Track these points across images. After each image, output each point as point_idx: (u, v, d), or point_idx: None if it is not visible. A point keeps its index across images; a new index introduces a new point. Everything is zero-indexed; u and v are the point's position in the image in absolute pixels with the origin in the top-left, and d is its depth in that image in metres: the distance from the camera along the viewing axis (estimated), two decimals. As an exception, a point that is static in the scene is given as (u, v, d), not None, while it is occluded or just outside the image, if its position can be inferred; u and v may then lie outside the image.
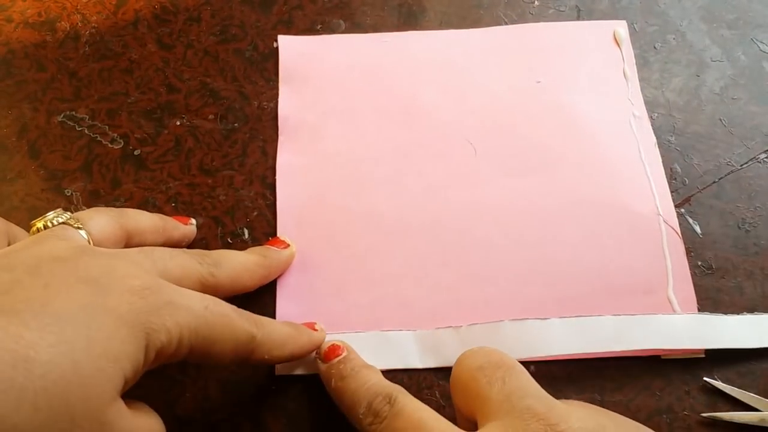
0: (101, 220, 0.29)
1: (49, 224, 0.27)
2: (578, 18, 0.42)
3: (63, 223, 0.28)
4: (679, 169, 0.37)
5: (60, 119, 0.39)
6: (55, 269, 0.24)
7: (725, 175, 0.37)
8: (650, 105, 0.39)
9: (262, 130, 0.39)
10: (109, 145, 0.38)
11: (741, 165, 0.38)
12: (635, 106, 0.39)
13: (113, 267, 0.25)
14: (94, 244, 0.28)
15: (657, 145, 0.38)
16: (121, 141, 0.38)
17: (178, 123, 0.39)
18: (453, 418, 0.31)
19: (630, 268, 0.34)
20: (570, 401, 0.24)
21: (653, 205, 0.36)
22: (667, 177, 0.37)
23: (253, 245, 0.35)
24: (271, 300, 0.34)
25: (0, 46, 0.42)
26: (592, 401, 0.32)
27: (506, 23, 0.42)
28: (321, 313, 0.34)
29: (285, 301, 0.34)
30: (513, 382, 0.24)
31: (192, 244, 0.35)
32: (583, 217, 0.36)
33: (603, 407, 0.25)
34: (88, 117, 0.39)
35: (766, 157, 0.38)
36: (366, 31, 0.42)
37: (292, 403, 0.32)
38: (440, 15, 0.43)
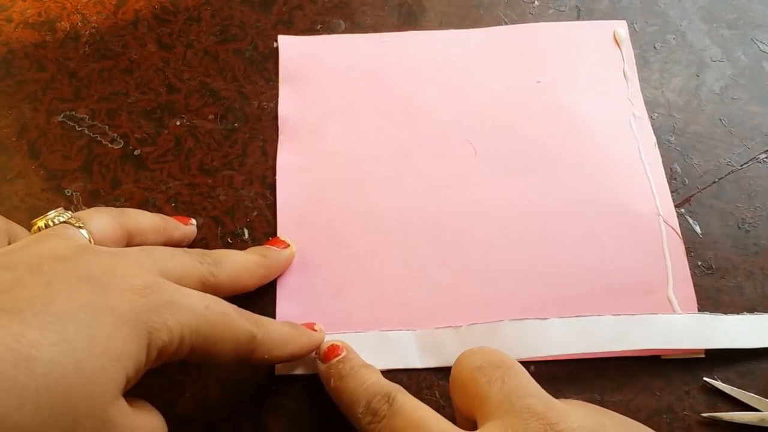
0: (102, 219, 0.29)
1: (50, 223, 0.27)
2: (578, 18, 0.42)
3: (64, 222, 0.28)
4: (679, 169, 0.37)
5: (60, 119, 0.39)
6: (57, 268, 0.24)
7: (725, 175, 0.37)
8: (650, 105, 0.39)
9: (262, 130, 0.39)
10: (109, 145, 0.38)
11: (741, 165, 0.38)
12: (635, 106, 0.39)
13: (114, 266, 0.25)
14: (95, 244, 0.28)
15: (657, 145, 0.38)
16: (121, 141, 0.38)
17: (178, 123, 0.39)
18: (453, 418, 0.31)
19: (630, 268, 0.34)
20: (569, 401, 0.24)
21: (653, 205, 0.36)
22: (667, 177, 0.37)
23: (253, 245, 0.35)
24: (271, 300, 0.34)
25: (0, 46, 0.42)
26: (592, 401, 0.32)
27: (506, 23, 0.42)
28: (321, 313, 0.34)
29: (285, 301, 0.34)
30: (512, 381, 0.24)
31: (192, 244, 0.35)
32: (583, 217, 0.36)
33: (603, 407, 0.25)
34: (88, 117, 0.39)
35: (766, 157, 0.38)
36: (366, 31, 0.42)
37: (292, 403, 0.32)
38: (440, 15, 0.43)
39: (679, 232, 0.35)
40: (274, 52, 0.41)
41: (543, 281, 0.34)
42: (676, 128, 0.39)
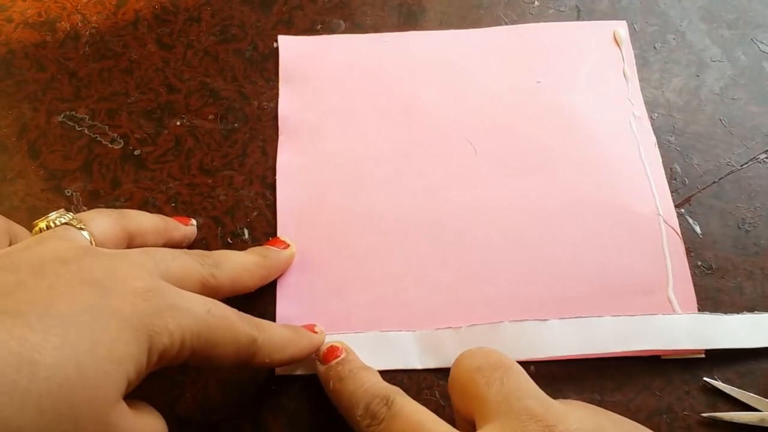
0: (103, 221, 0.29)
1: (52, 224, 0.27)
2: (578, 18, 0.42)
3: (65, 223, 0.28)
4: (679, 169, 0.37)
5: (60, 119, 0.39)
6: (59, 270, 0.24)
7: (725, 175, 0.37)
8: (650, 105, 0.39)
9: (262, 130, 0.39)
10: (109, 145, 0.38)
11: (741, 165, 0.38)
12: (635, 106, 0.39)
13: (116, 268, 0.25)
14: (95, 245, 0.28)
15: (657, 145, 0.38)
16: (121, 141, 0.38)
17: (178, 123, 0.39)
18: (452, 419, 0.31)
19: (630, 268, 0.34)
20: (568, 401, 0.24)
21: (653, 205, 0.36)
22: (667, 177, 0.37)
23: (253, 245, 0.35)
24: (271, 300, 0.34)
25: (0, 46, 0.42)
26: (592, 401, 0.32)
27: (506, 23, 0.42)
28: (321, 313, 0.34)
29: (285, 301, 0.34)
30: (511, 382, 0.24)
31: (192, 244, 0.35)
32: (583, 217, 0.36)
33: (603, 407, 0.25)
34: (88, 117, 0.39)
35: (766, 157, 0.38)
36: (366, 31, 0.42)
37: (292, 403, 0.32)
38: (440, 15, 0.43)
39: (679, 232, 0.35)
40: (274, 52, 0.41)
41: (543, 281, 0.34)
42: (676, 128, 0.39)
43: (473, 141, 0.38)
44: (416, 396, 0.32)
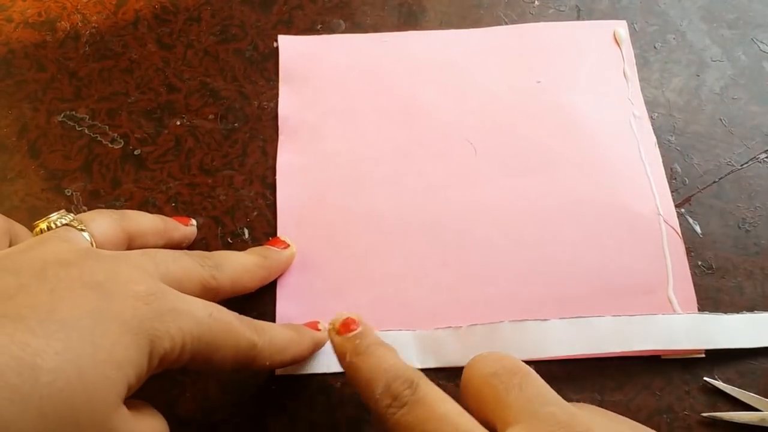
0: (104, 222, 0.29)
1: (53, 225, 0.27)
2: (578, 18, 0.42)
3: (66, 224, 0.27)
4: (679, 169, 0.37)
5: (60, 119, 0.39)
6: (61, 273, 0.24)
7: (725, 175, 0.37)
8: (650, 105, 0.39)
9: (262, 130, 0.39)
10: (109, 145, 0.38)
11: (741, 165, 0.38)
12: (635, 106, 0.39)
13: (117, 271, 0.25)
14: (96, 246, 0.28)
15: (657, 145, 0.38)
16: (121, 141, 0.38)
17: (178, 123, 0.39)
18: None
19: (630, 268, 0.34)
20: (581, 405, 0.24)
21: (653, 205, 0.36)
22: (667, 177, 0.37)
23: (254, 245, 0.35)
24: (271, 300, 0.34)
25: (0, 46, 0.42)
26: (592, 401, 0.32)
27: (506, 23, 0.42)
28: (321, 313, 0.34)
29: (285, 301, 0.34)
30: (530, 388, 0.24)
31: (192, 244, 0.35)
32: (583, 217, 0.36)
33: (603, 407, 0.26)
34: (88, 117, 0.39)
35: (766, 157, 0.38)
36: (366, 31, 0.42)
37: (292, 403, 0.32)
38: (440, 15, 0.43)
39: (680, 232, 0.35)
40: (274, 52, 0.41)
41: (543, 281, 0.34)
42: (677, 128, 0.39)
43: (473, 141, 0.38)
44: (416, 396, 0.32)
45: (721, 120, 0.39)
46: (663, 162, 0.37)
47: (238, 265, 0.31)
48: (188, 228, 0.34)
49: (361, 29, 0.42)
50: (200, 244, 0.35)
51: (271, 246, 0.34)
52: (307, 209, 0.36)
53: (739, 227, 0.36)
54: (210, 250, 0.34)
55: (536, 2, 0.43)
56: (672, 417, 0.31)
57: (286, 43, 0.41)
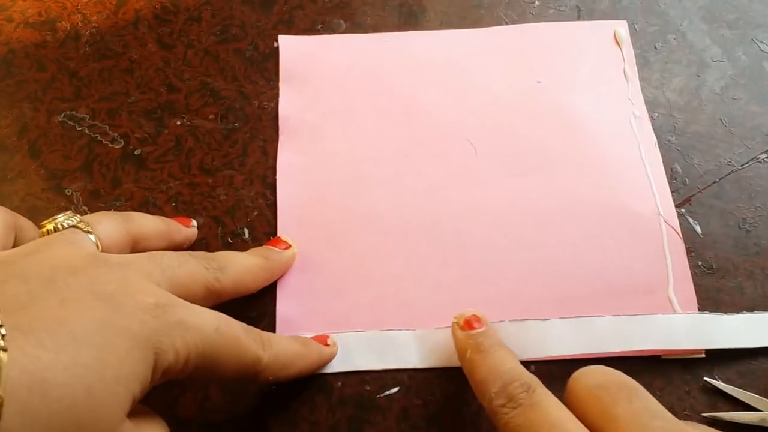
0: (110, 225, 0.29)
1: (59, 226, 0.27)
2: (578, 18, 0.42)
3: (73, 226, 0.27)
4: (679, 169, 0.37)
5: (60, 119, 0.39)
6: (70, 281, 0.23)
7: (726, 175, 0.37)
8: (651, 105, 0.39)
9: (263, 129, 0.39)
10: (110, 145, 0.38)
11: (741, 165, 0.38)
12: (635, 106, 0.39)
13: (126, 280, 0.25)
14: (102, 250, 0.28)
15: (657, 145, 0.38)
16: (122, 141, 0.38)
17: (178, 123, 0.39)
18: (454, 418, 0.31)
19: (630, 268, 0.34)
20: (690, 423, 0.24)
21: (654, 205, 0.36)
22: (667, 177, 0.37)
23: (254, 245, 0.35)
24: (272, 300, 0.34)
25: (0, 45, 0.42)
26: (593, 401, 0.32)
27: (506, 23, 0.42)
28: (321, 313, 0.34)
29: (285, 301, 0.34)
30: (639, 402, 0.24)
31: (192, 244, 0.35)
32: (583, 217, 0.36)
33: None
34: (88, 117, 0.39)
35: (766, 157, 0.38)
36: (366, 31, 0.42)
37: (292, 403, 0.32)
38: (440, 15, 0.43)
39: (680, 232, 0.35)
40: (275, 52, 0.41)
41: (543, 281, 0.34)
42: (677, 128, 0.39)
43: (473, 141, 0.38)
44: (416, 395, 0.32)
45: (721, 120, 0.39)
46: (663, 162, 0.37)
47: (241, 267, 0.31)
48: (189, 229, 0.35)
49: (362, 29, 0.42)
50: (200, 244, 0.35)
51: (272, 246, 0.34)
52: (307, 209, 0.36)
53: (740, 227, 0.36)
54: (210, 250, 0.34)
55: (536, 2, 0.43)
56: (672, 417, 0.31)
57: (287, 43, 0.41)
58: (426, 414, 0.31)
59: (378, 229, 0.36)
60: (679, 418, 0.31)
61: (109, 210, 0.36)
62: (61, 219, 0.28)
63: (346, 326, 0.33)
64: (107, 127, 0.39)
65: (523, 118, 0.39)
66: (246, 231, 0.36)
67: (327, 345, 0.32)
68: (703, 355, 0.32)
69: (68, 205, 0.36)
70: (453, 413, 0.31)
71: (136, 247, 0.30)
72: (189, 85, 0.40)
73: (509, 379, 0.26)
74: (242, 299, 0.32)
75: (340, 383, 0.32)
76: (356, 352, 0.32)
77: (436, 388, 0.32)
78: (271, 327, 0.33)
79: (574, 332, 0.32)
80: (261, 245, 0.34)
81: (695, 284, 0.34)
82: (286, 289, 0.34)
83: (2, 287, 0.22)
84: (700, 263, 0.35)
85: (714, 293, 0.34)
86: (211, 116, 0.39)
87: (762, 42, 0.41)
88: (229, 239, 0.36)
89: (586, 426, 0.24)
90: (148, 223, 0.31)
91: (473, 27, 0.42)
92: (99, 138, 0.38)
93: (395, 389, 0.32)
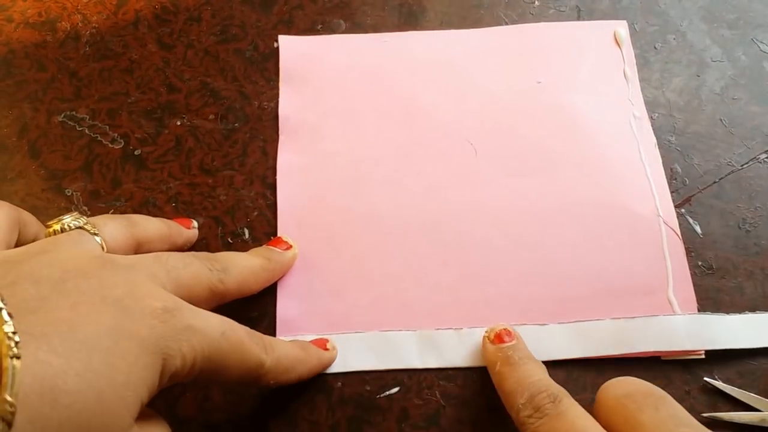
0: (114, 228, 0.29)
1: (66, 227, 0.27)
2: (578, 18, 0.42)
3: (79, 227, 0.27)
4: (679, 169, 0.37)
5: (60, 119, 0.39)
6: (81, 285, 0.23)
7: (726, 175, 0.37)
8: (651, 105, 0.39)
9: (263, 130, 0.39)
10: (110, 145, 0.38)
11: (741, 165, 0.38)
12: (635, 107, 0.39)
13: (134, 284, 0.25)
14: (106, 251, 0.28)
15: (657, 146, 0.38)
16: (122, 141, 0.38)
17: (178, 123, 0.39)
18: (454, 418, 0.31)
19: (630, 269, 0.34)
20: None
21: (653, 207, 0.36)
22: (667, 177, 0.37)
23: (254, 245, 0.35)
24: (272, 300, 0.34)
25: (0, 46, 0.42)
26: (593, 401, 0.31)
27: (506, 23, 0.42)
28: (321, 313, 0.34)
29: (285, 301, 0.34)
30: (666, 409, 0.24)
31: (193, 245, 0.35)
32: (583, 218, 0.36)
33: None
34: (88, 117, 0.39)
35: (766, 158, 0.38)
36: (366, 31, 0.42)
37: (292, 403, 0.32)
38: (440, 15, 0.43)
39: (679, 234, 0.35)
40: (275, 52, 0.41)
41: (543, 282, 0.34)
42: (677, 128, 0.39)
43: (473, 141, 0.38)
44: (416, 396, 0.32)
45: (721, 120, 0.39)
46: (663, 162, 0.37)
47: (244, 268, 0.31)
48: (190, 231, 0.35)
49: (362, 29, 0.42)
50: (200, 244, 0.35)
51: (273, 247, 0.34)
52: (307, 209, 0.36)
53: (740, 227, 0.36)
54: (210, 251, 0.34)
55: (536, 2, 0.43)
56: (672, 417, 0.31)
57: (287, 43, 0.41)
58: (426, 414, 0.31)
59: (378, 230, 0.36)
60: (679, 419, 0.31)
61: (109, 210, 0.36)
62: (68, 220, 0.28)
63: (346, 326, 0.33)
64: (107, 127, 0.39)
65: (522, 119, 0.39)
66: (246, 231, 0.36)
67: (326, 349, 0.32)
68: (703, 356, 0.32)
69: (68, 205, 0.36)
70: (453, 413, 0.31)
71: (138, 250, 0.30)
72: (189, 85, 0.40)
73: (536, 390, 0.27)
74: (242, 300, 0.32)
75: (340, 383, 0.32)
76: (356, 353, 0.32)
77: (436, 388, 0.32)
78: (271, 327, 0.33)
79: (574, 337, 0.32)
80: (261, 245, 0.34)
81: (695, 284, 0.34)
82: (287, 289, 0.34)
83: (13, 289, 0.22)
84: (700, 263, 0.35)
85: (714, 293, 0.34)
86: (211, 116, 0.39)
87: (762, 42, 0.41)
88: (229, 239, 0.36)
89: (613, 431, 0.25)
90: (151, 227, 0.31)
91: (473, 27, 0.42)
92: (99, 138, 0.38)
93: (395, 389, 0.32)
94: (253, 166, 0.38)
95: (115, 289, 0.24)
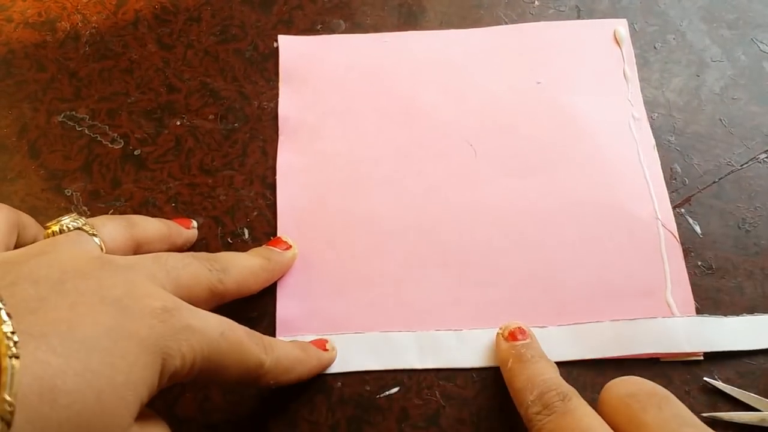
0: (113, 229, 0.29)
1: (65, 228, 0.27)
2: (578, 18, 0.42)
3: (78, 228, 0.27)
4: (679, 169, 0.37)
5: (60, 119, 0.39)
6: (80, 286, 0.24)
7: (725, 175, 0.37)
8: (650, 105, 0.39)
9: (262, 130, 0.39)
10: (110, 145, 0.38)
11: (741, 165, 0.38)
12: (635, 107, 0.39)
13: (133, 284, 0.25)
14: (105, 252, 0.28)
15: (656, 148, 0.38)
16: (122, 141, 0.38)
17: (178, 123, 0.39)
18: (454, 418, 0.31)
19: (629, 270, 0.34)
20: None
21: (651, 209, 0.36)
22: (667, 177, 0.37)
23: (254, 245, 0.35)
24: (272, 300, 0.34)
25: (0, 46, 0.42)
26: (592, 401, 0.32)
27: (506, 23, 0.42)
28: (321, 313, 0.34)
29: (285, 301, 0.34)
30: (669, 409, 0.24)
31: (192, 245, 0.35)
32: (582, 218, 0.36)
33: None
34: (88, 117, 0.39)
35: (766, 157, 0.38)
36: (366, 31, 0.42)
37: (292, 403, 0.32)
38: (440, 15, 0.43)
39: (677, 236, 0.35)
40: (274, 52, 0.41)
41: (542, 283, 0.34)
42: (676, 128, 0.39)
43: (473, 141, 0.38)
44: (416, 396, 0.32)
45: (721, 120, 0.39)
46: (663, 162, 0.37)
47: (244, 268, 0.31)
48: (190, 231, 0.35)
49: (361, 29, 0.42)
50: (200, 244, 0.35)
51: (273, 247, 0.34)
52: (307, 209, 0.36)
53: (739, 227, 0.36)
54: (210, 251, 0.34)
55: (536, 2, 0.43)
56: (672, 417, 0.31)
57: (286, 43, 0.41)
58: (426, 414, 0.31)
59: (378, 230, 0.36)
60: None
61: (108, 210, 0.36)
62: (66, 221, 0.28)
63: (346, 327, 0.33)
64: (107, 127, 0.39)
65: (522, 119, 0.39)
66: (246, 231, 0.36)
67: (326, 350, 0.32)
68: (701, 357, 0.32)
69: (68, 205, 0.36)
70: (453, 413, 0.32)
71: (138, 250, 0.30)
72: (189, 85, 0.40)
73: (546, 388, 0.27)
74: (242, 300, 0.32)
75: (339, 383, 0.32)
76: (356, 354, 0.32)
77: (435, 388, 0.32)
78: (271, 327, 0.33)
79: (573, 339, 0.32)
80: (261, 245, 0.34)
81: (695, 284, 0.34)
82: (286, 290, 0.34)
83: (12, 289, 0.22)
84: (699, 263, 0.35)
85: (714, 293, 0.34)
86: (211, 116, 0.39)
87: (762, 42, 0.41)
88: (229, 239, 0.36)
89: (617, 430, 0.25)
90: (150, 227, 0.31)
91: (473, 27, 0.42)
92: (99, 138, 0.38)
93: (395, 389, 0.32)
94: (253, 167, 0.38)
95: (114, 289, 0.24)
